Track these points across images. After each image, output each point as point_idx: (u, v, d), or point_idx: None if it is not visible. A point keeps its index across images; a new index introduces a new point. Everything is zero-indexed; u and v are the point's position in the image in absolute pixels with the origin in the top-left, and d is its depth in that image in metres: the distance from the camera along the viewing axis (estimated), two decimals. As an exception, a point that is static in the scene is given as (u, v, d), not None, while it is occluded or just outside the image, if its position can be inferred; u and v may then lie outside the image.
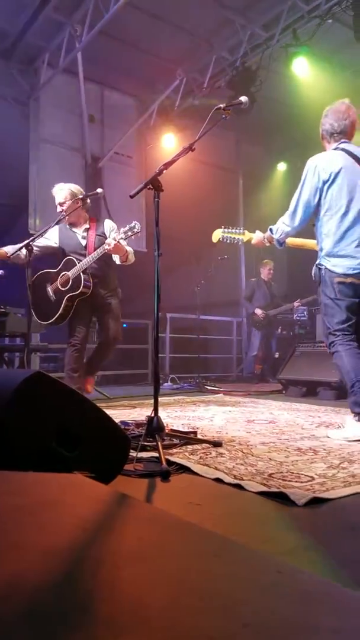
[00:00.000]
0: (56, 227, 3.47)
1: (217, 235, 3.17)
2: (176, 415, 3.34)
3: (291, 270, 8.61)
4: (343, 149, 2.62)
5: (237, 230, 3.10)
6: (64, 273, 3.48)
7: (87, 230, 3.61)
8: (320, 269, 2.61)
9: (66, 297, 3.42)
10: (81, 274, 3.40)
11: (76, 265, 3.44)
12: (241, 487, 1.59)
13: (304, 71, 5.86)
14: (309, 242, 2.89)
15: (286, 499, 1.46)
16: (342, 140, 2.66)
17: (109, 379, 6.48)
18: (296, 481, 1.63)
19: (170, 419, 3.07)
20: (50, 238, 3.57)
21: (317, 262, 2.64)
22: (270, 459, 1.98)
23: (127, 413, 3.40)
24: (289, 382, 5.13)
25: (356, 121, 2.69)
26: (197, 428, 2.69)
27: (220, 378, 7.35)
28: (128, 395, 4.76)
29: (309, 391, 4.91)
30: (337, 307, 2.54)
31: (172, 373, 6.38)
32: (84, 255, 3.48)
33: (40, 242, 3.49)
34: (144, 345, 6.74)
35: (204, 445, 2.22)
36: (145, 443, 2.05)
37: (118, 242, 3.25)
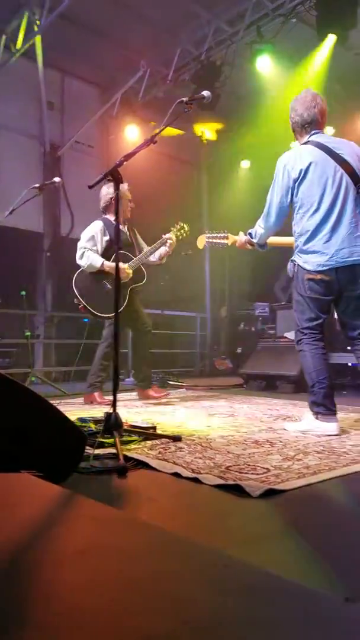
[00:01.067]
0: (101, 223, 3.75)
1: (201, 241, 3.17)
2: (137, 411, 3.32)
3: (255, 270, 8.72)
4: (314, 142, 2.54)
5: (221, 234, 3.09)
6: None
7: (128, 229, 3.93)
8: (293, 264, 2.60)
9: (129, 288, 3.70)
10: (141, 266, 3.74)
11: (132, 258, 3.74)
12: (198, 480, 1.59)
13: (268, 69, 5.90)
14: (292, 240, 2.88)
15: (242, 491, 1.47)
16: (313, 131, 2.59)
17: (70, 374, 6.37)
18: (252, 473, 1.65)
19: (130, 415, 3.04)
20: (106, 234, 3.76)
21: (291, 258, 2.64)
22: (228, 452, 1.99)
23: (86, 410, 3.35)
24: (250, 376, 5.20)
25: (325, 109, 2.63)
26: (158, 423, 2.67)
27: (183, 373, 7.36)
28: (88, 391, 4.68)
29: (269, 385, 4.99)
30: (306, 304, 2.52)
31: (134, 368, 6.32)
32: (130, 250, 3.80)
33: (103, 240, 3.74)
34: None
35: (164, 440, 2.21)
36: (103, 440, 2.02)
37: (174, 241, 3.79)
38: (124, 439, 2.13)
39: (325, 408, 2.42)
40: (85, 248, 3.66)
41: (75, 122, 6.78)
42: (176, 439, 2.20)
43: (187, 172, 7.99)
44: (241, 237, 2.94)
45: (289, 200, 2.55)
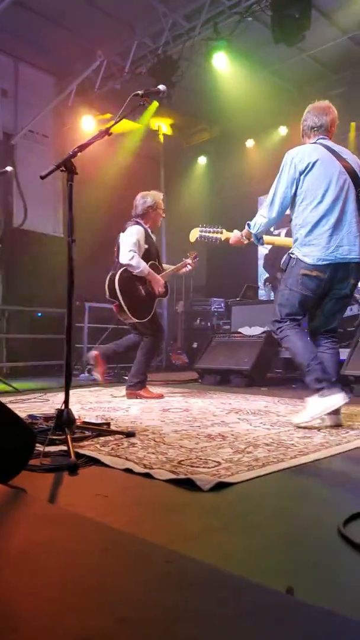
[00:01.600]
0: (143, 230, 3.83)
1: (194, 234, 3.15)
2: (91, 407, 3.28)
3: (210, 265, 8.80)
4: (321, 144, 2.65)
5: (215, 229, 3.08)
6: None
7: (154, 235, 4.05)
8: (291, 257, 2.61)
9: (157, 299, 3.92)
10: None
11: (161, 271, 3.98)
12: (150, 476, 1.60)
13: (224, 66, 5.95)
14: (288, 241, 2.88)
15: (193, 485, 1.48)
16: (321, 136, 2.69)
17: (22, 370, 6.21)
18: (203, 467, 1.67)
19: (84, 411, 3.00)
20: (146, 243, 3.88)
21: (289, 251, 2.65)
22: (181, 446, 2.00)
23: (37, 406, 3.28)
24: (205, 370, 5.25)
25: (336, 120, 2.74)
26: (112, 419, 2.66)
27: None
28: (41, 387, 4.59)
29: (223, 379, 5.07)
30: (293, 299, 2.57)
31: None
32: (158, 259, 4.04)
33: (143, 248, 3.84)
34: (61, 335, 6.54)
35: (117, 436, 2.20)
36: (54, 437, 1.98)
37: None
38: (76, 435, 2.10)
39: (327, 381, 2.43)
40: (134, 251, 3.72)
41: (29, 111, 6.59)
42: (129, 434, 2.20)
43: (144, 166, 7.93)
44: (236, 233, 2.96)
45: (293, 191, 2.59)
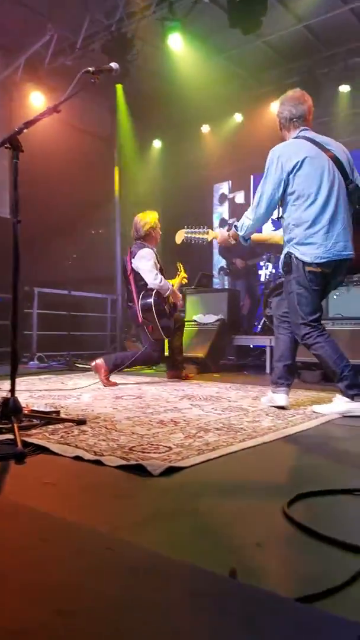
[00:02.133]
0: (152, 251, 3.98)
1: (180, 235, 3.13)
2: (40, 394, 3.20)
3: (165, 253, 8.74)
4: (305, 137, 2.59)
5: (201, 230, 3.04)
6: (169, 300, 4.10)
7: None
8: (290, 257, 2.56)
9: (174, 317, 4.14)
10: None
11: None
12: (101, 463, 1.57)
13: (180, 48, 5.86)
14: (276, 236, 2.86)
15: (144, 470, 1.48)
16: (302, 127, 2.64)
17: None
18: (155, 452, 1.67)
19: (32, 399, 2.92)
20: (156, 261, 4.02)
21: (285, 252, 2.61)
22: (133, 432, 1.99)
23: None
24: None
25: (312, 107, 2.69)
26: (62, 407, 2.60)
27: (93, 356, 7.23)
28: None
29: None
30: (310, 296, 2.53)
31: (40, 351, 6.10)
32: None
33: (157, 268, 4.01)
34: (7, 322, 6.32)
35: (67, 424, 2.16)
36: (0, 425, 1.92)
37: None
38: (24, 424, 2.04)
39: (358, 388, 2.46)
40: (158, 273, 3.93)
41: (-26, 85, 6.25)
42: (80, 422, 2.16)
43: (98, 147, 7.73)
44: (222, 233, 2.93)
45: (280, 192, 2.54)
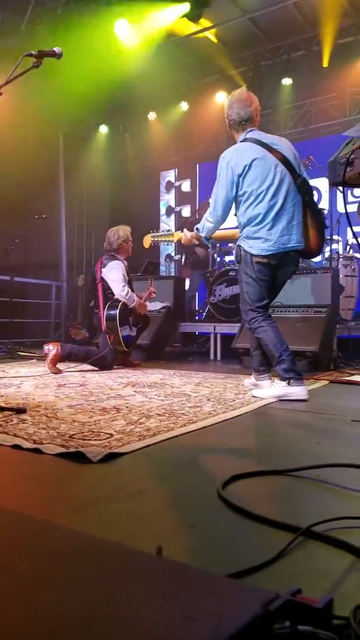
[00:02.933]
0: (121, 263, 4.15)
1: (147, 241, 3.33)
2: (-20, 383, 3.13)
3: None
4: (252, 139, 2.75)
5: (166, 232, 3.33)
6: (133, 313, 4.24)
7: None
8: (240, 250, 2.79)
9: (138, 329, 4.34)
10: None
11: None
12: (40, 451, 1.59)
13: (126, 34, 5.79)
14: (232, 232, 3.06)
15: (84, 457, 1.50)
16: (249, 128, 2.79)
17: None
18: (95, 439, 1.69)
19: (-28, 388, 2.86)
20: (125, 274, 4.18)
21: (237, 244, 2.84)
22: (74, 420, 2.00)
23: None
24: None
25: (259, 108, 2.85)
26: (1, 396, 2.57)
27: (36, 344, 7.09)
28: None
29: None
30: (257, 285, 2.74)
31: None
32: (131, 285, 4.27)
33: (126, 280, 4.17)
34: None
35: (6, 413, 2.14)
36: None
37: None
38: None
39: (295, 373, 2.62)
40: (126, 285, 4.09)
41: None
42: (20, 410, 2.15)
43: (43, 131, 7.49)
44: (186, 234, 3.11)
45: (234, 193, 2.73)
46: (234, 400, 2.55)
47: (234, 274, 5.35)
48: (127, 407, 2.30)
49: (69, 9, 5.72)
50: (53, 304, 7.74)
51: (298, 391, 2.61)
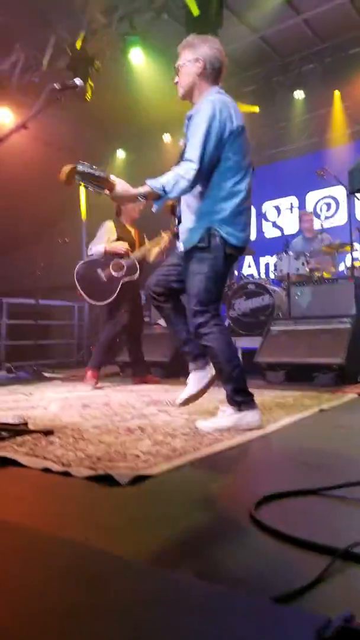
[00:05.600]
0: (111, 223, 4.25)
1: (68, 173, 2.19)
2: (8, 406, 3.17)
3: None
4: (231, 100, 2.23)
5: (99, 172, 2.12)
6: (117, 261, 4.12)
7: (134, 232, 4.35)
8: (211, 234, 2.19)
9: (122, 282, 4.08)
10: (136, 262, 4.10)
11: (130, 255, 4.11)
12: (69, 474, 1.59)
13: (140, 61, 5.98)
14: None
15: (112, 480, 1.50)
16: (220, 85, 2.28)
17: None
18: (122, 461, 1.69)
19: (1, 412, 2.90)
20: (114, 234, 4.22)
21: (207, 227, 2.20)
22: (100, 441, 2.01)
23: None
24: (125, 364, 5.27)
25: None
26: (30, 418, 2.59)
27: (60, 364, 7.18)
28: None
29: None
30: (220, 280, 2.26)
31: (8, 361, 6.01)
32: (133, 248, 4.18)
33: (110, 239, 4.19)
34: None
35: (35, 435, 2.16)
36: (-33, 439, 1.91)
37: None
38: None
39: (245, 393, 2.21)
40: (92, 244, 4.23)
41: None
42: (48, 432, 2.17)
43: (62, 158, 7.71)
44: (125, 186, 2.12)
45: (219, 153, 2.14)
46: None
47: (253, 287, 5.34)
48: (151, 427, 2.29)
49: (86, 44, 5.95)
50: (76, 325, 7.84)
51: (249, 418, 2.17)
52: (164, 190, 2.05)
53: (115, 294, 4.09)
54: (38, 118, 2.27)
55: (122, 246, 4.14)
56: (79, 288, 4.13)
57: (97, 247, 4.17)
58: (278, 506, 1.30)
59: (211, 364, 2.33)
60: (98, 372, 4.26)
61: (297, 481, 1.53)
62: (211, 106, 2.14)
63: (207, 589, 0.64)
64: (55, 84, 2.39)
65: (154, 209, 2.16)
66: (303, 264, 5.33)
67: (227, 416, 2.20)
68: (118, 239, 4.20)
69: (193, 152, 2.09)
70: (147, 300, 2.60)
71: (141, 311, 4.53)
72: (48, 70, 6.34)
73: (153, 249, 4.00)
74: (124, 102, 7.10)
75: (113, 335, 4.30)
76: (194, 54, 2.28)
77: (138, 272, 4.16)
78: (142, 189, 2.08)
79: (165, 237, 3.88)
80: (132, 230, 4.37)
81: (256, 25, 6.44)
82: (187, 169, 2.07)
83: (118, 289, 4.10)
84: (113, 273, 4.13)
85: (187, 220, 2.27)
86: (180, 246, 2.36)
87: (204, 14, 5.06)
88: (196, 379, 2.42)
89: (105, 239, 4.19)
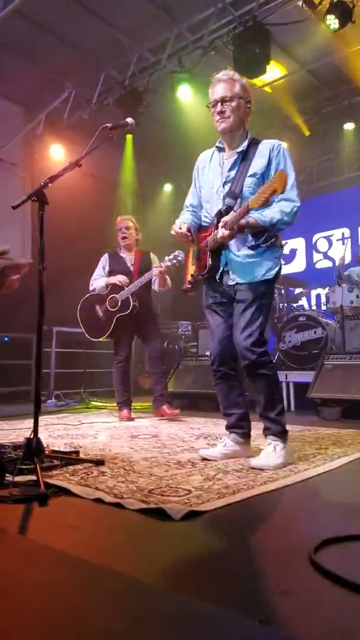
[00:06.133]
0: (106, 255, 4.31)
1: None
2: (59, 434, 3.23)
3: (176, 287, 8.86)
4: None
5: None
6: (112, 296, 4.09)
7: (134, 257, 4.27)
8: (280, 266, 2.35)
9: (116, 317, 4.03)
10: (130, 296, 3.99)
11: (123, 289, 4.02)
12: (121, 505, 1.59)
13: (188, 97, 6.18)
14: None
15: (164, 514, 1.49)
16: None
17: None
18: (174, 495, 1.68)
19: (52, 439, 2.96)
20: (107, 266, 4.27)
21: (271, 263, 2.31)
22: (151, 474, 2.00)
23: (4, 434, 3.20)
24: (173, 395, 5.26)
25: None
26: (80, 447, 2.63)
27: (107, 393, 7.26)
28: (7, 414, 4.49)
29: (192, 403, 5.09)
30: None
31: (57, 389, 6.15)
32: (129, 277, 4.09)
33: (105, 270, 4.25)
34: (27, 361, 6.41)
35: (86, 464, 2.18)
36: (23, 466, 1.95)
37: (164, 269, 3.88)
38: (45, 465, 2.07)
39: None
40: (93, 279, 4.27)
41: (-1, 140, 6.64)
42: (99, 462, 2.19)
43: (110, 193, 8.02)
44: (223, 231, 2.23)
45: None
46: (315, 456, 2.42)
47: (304, 319, 5.24)
48: (202, 462, 2.26)
49: (134, 81, 6.21)
50: (122, 354, 7.92)
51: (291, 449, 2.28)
52: (271, 224, 2.19)
53: (110, 330, 4.07)
54: (89, 154, 2.40)
55: (117, 279, 4.08)
56: (80, 324, 4.20)
57: (98, 282, 4.20)
58: (338, 549, 1.24)
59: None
60: (125, 407, 4.21)
61: (358, 525, 1.45)
62: (287, 153, 2.31)
63: (274, 637, 0.61)
64: (107, 124, 2.52)
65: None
66: (358, 296, 5.20)
67: (279, 451, 2.19)
68: (110, 271, 4.20)
69: (292, 192, 2.21)
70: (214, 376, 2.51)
71: (155, 338, 4.28)
72: (97, 107, 6.66)
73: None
74: (171, 136, 7.33)
75: (119, 374, 4.21)
76: (245, 92, 2.38)
77: (132, 306, 4.00)
78: (249, 219, 2.19)
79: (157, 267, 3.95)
80: (131, 257, 4.28)
81: (302, 58, 6.55)
82: (292, 207, 2.20)
83: (113, 324, 4.06)
84: (109, 309, 4.11)
85: (249, 252, 2.30)
86: (233, 279, 2.34)
87: (252, 50, 5.18)
88: (269, 447, 2.24)
89: (104, 272, 4.23)
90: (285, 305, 6.11)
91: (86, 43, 5.94)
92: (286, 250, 8.22)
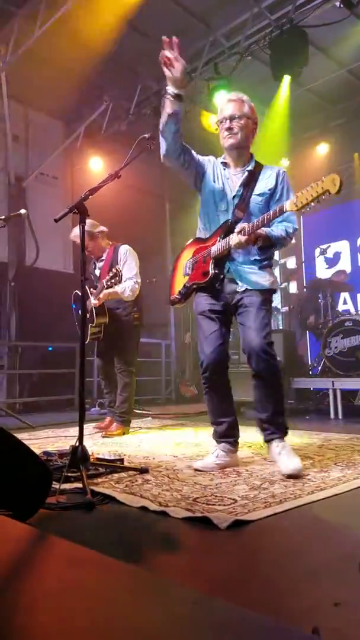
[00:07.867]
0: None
1: None
2: (103, 442, 3.27)
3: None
4: None
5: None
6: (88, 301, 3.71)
7: (102, 260, 3.92)
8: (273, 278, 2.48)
9: (89, 324, 3.68)
10: (93, 308, 3.64)
11: (90, 298, 3.63)
12: (166, 514, 1.59)
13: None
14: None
15: (210, 523, 1.47)
16: None
17: (33, 405, 6.21)
18: (219, 504, 1.66)
19: (96, 447, 3.00)
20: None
21: (272, 275, 2.47)
22: (195, 483, 1.99)
23: (51, 442, 3.27)
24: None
25: None
26: (124, 455, 2.65)
27: (149, 401, 7.31)
28: (53, 422, 4.59)
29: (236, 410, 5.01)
30: None
31: (100, 397, 6.24)
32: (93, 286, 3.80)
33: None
34: (71, 370, 6.55)
35: (130, 472, 2.19)
36: (69, 474, 1.98)
37: (99, 298, 3.57)
38: (91, 472, 2.10)
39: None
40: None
41: (39, 154, 6.86)
42: (143, 470, 2.19)
43: (149, 202, 8.13)
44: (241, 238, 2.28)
45: None
46: (364, 464, 2.33)
47: (351, 324, 5.09)
48: (247, 471, 2.23)
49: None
50: (163, 362, 7.98)
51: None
52: (277, 240, 2.33)
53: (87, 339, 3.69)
54: (128, 165, 2.43)
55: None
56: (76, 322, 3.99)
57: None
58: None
59: None
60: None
61: None
62: (285, 175, 2.48)
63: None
64: (145, 134, 2.55)
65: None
66: None
67: (290, 450, 2.23)
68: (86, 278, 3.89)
69: (293, 215, 2.35)
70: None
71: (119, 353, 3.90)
72: (135, 118, 6.76)
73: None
74: (207, 144, 7.34)
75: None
76: (253, 114, 2.50)
77: (95, 319, 3.68)
78: (262, 232, 2.29)
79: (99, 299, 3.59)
80: (97, 266, 3.97)
81: (343, 59, 6.43)
82: (294, 229, 2.37)
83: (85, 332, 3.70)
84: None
85: (252, 266, 2.40)
86: (242, 286, 2.38)
87: (289, 53, 5.13)
88: (283, 451, 2.24)
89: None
90: (330, 309, 5.96)
91: (121, 54, 6.06)
92: (330, 254, 8.03)
